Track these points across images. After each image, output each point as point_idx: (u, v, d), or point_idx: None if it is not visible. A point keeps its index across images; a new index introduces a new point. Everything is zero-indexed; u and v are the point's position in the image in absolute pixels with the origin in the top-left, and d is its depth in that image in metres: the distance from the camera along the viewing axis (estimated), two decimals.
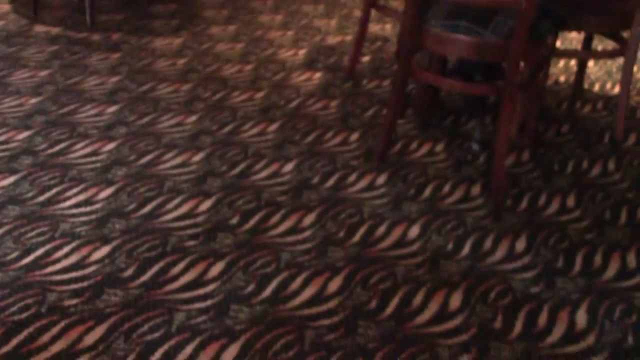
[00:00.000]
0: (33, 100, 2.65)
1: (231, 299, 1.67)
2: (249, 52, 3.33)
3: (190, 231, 1.93)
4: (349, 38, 3.65)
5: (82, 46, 3.24)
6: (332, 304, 1.69)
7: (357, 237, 1.96)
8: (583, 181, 2.37)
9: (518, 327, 1.66)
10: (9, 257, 1.76)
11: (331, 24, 3.84)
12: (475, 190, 2.26)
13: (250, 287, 1.72)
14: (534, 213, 2.15)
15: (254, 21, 3.79)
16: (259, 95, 2.86)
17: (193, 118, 2.61)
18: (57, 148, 2.31)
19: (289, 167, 2.31)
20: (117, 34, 3.44)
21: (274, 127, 2.59)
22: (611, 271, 1.90)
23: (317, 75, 3.12)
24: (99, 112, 2.60)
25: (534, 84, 2.26)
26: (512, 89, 2.11)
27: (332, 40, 3.60)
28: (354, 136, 2.56)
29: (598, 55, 2.65)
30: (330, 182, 2.24)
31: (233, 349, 1.52)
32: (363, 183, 2.25)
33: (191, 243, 1.87)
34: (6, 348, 1.48)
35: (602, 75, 3.37)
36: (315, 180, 2.24)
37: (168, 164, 2.27)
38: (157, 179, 2.17)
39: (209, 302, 1.66)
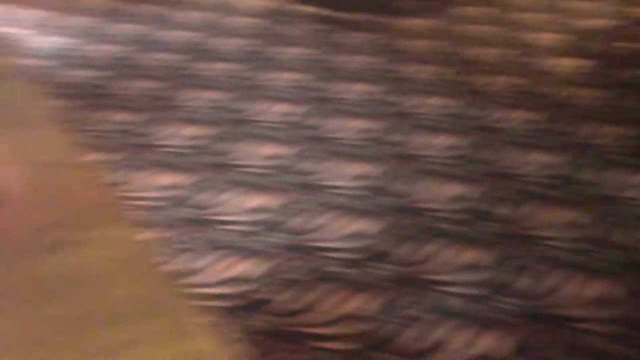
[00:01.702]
0: (299, 76, 2.81)
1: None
2: (506, 36, 3.23)
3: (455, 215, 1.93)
4: (612, 21, 3.39)
5: (342, 26, 3.36)
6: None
7: None
8: None
9: None
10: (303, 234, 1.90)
11: (591, 6, 3.60)
12: None
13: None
14: None
15: (509, 3, 3.67)
16: (519, 81, 2.76)
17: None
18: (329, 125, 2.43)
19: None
20: (367, 15, 3.52)
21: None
22: None
23: (582, 62, 2.94)
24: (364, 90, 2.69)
25: None
26: None
27: (595, 22, 3.37)
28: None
29: None
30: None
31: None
32: None
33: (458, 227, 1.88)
34: (295, 305, 1.60)
35: None
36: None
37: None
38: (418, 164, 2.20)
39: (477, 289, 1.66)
